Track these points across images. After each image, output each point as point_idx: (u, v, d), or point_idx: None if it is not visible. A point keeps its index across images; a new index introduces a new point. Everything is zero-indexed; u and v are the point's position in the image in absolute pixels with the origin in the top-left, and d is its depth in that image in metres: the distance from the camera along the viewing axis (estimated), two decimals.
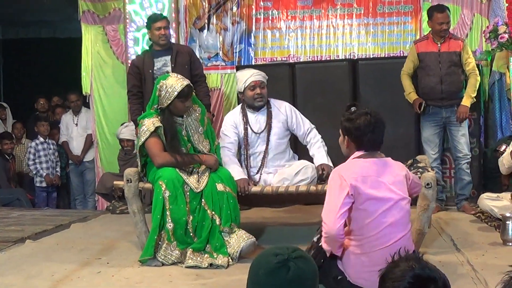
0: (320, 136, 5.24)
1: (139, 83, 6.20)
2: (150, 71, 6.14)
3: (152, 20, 6.24)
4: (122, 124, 7.46)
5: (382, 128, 3.63)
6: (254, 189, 4.90)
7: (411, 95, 6.32)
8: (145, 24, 6.47)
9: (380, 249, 3.45)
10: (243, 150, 5.26)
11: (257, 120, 5.23)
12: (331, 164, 4.99)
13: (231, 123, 5.22)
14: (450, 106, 6.20)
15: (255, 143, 5.22)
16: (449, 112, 6.23)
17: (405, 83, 6.36)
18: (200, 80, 6.34)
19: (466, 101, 6.14)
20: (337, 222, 3.42)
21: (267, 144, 5.19)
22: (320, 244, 3.69)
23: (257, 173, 5.21)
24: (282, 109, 5.26)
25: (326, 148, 5.17)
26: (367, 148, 3.61)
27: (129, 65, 6.85)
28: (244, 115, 5.23)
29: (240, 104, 5.36)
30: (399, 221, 3.52)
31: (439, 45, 6.18)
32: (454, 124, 6.24)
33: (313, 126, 5.30)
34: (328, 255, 3.66)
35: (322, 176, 4.96)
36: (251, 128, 5.21)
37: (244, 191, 4.87)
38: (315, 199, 4.88)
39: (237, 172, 4.97)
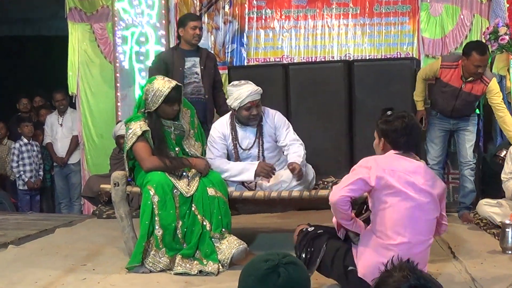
0: (302, 147, 5.08)
1: None
2: (181, 69, 6.10)
3: (190, 18, 6.20)
4: (118, 122, 7.44)
5: (418, 131, 3.87)
6: (245, 194, 4.90)
7: (418, 104, 6.31)
8: (179, 20, 6.39)
9: (397, 245, 3.56)
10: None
11: (246, 135, 5.15)
12: (302, 161, 4.94)
13: (219, 134, 5.12)
14: (460, 116, 6.21)
15: (247, 159, 5.15)
16: (457, 119, 6.23)
17: (418, 88, 6.30)
18: (219, 87, 6.37)
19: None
20: (340, 192, 3.60)
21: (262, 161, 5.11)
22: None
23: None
24: (271, 121, 5.15)
25: (303, 152, 5.04)
26: (403, 150, 3.76)
27: (154, 59, 6.52)
28: (233, 129, 5.14)
29: (229, 114, 5.21)
30: (421, 224, 3.64)
31: (464, 81, 5.95)
32: (462, 130, 6.21)
33: (299, 141, 5.12)
34: (337, 231, 3.88)
35: (294, 173, 4.89)
36: (239, 145, 5.14)
37: (272, 173, 4.87)
38: (308, 204, 4.89)
39: (249, 165, 4.95)
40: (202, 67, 6.17)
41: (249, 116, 5.02)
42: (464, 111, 6.15)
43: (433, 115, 6.32)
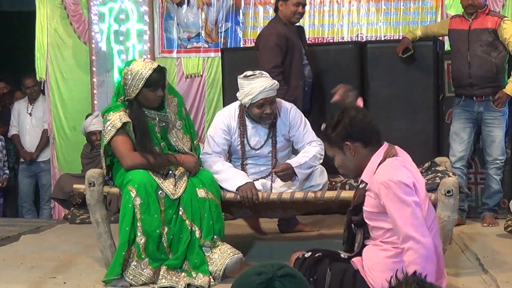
0: (317, 148, 5.09)
1: (284, 60, 6.00)
2: (299, 48, 6.10)
3: None
4: (88, 115, 7.42)
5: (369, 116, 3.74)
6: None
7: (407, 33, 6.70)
8: None
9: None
10: (238, 161, 5.21)
11: (256, 132, 5.16)
12: (306, 163, 4.97)
13: (224, 127, 5.11)
14: (484, 96, 6.23)
15: (255, 159, 5.19)
16: (482, 106, 6.24)
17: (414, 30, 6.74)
18: None
19: (509, 88, 6.14)
20: (428, 237, 3.43)
21: (275, 164, 5.15)
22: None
23: (256, 180, 5.13)
24: (285, 117, 5.17)
25: (313, 153, 5.06)
26: (378, 141, 3.65)
27: (271, 35, 6.09)
28: (242, 124, 5.13)
29: (238, 104, 5.17)
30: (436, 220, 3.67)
31: (470, 21, 6.22)
32: (488, 122, 6.23)
33: (318, 141, 5.11)
34: None
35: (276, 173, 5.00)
36: (248, 143, 5.15)
37: (251, 201, 4.82)
38: (314, 207, 4.90)
39: (239, 177, 4.94)
40: (306, 48, 6.25)
41: (261, 115, 5.01)
42: (482, 68, 6.16)
43: (455, 103, 6.37)
